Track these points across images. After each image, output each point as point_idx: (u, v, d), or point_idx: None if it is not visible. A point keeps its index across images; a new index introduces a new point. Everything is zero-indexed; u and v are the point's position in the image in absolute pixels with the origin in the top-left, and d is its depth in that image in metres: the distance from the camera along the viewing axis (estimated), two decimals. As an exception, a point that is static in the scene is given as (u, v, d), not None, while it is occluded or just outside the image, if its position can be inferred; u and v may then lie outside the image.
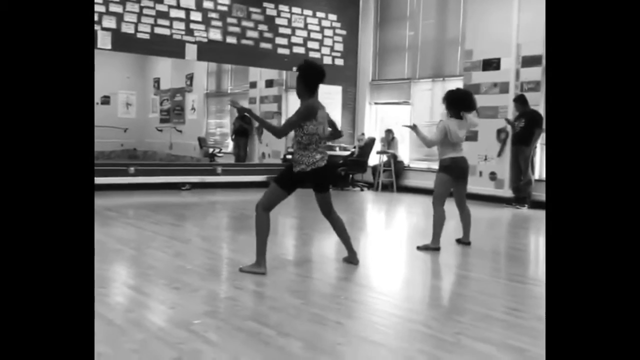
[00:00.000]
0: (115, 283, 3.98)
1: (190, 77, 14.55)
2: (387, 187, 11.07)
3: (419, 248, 5.30)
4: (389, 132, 11.26)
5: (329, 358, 2.67)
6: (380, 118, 12.10)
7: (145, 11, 9.53)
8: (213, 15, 10.24)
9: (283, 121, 4.36)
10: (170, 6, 9.75)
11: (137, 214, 7.34)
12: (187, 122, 14.69)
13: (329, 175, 4.41)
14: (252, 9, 10.63)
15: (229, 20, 10.41)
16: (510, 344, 2.90)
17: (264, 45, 10.79)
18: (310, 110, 4.17)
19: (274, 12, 10.88)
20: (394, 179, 10.96)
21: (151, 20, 9.60)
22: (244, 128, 12.35)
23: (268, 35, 10.83)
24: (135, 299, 3.60)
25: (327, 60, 11.60)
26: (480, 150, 9.64)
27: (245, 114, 4.31)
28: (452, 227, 5.87)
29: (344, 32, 11.81)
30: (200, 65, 13.53)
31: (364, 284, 4.21)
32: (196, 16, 10.05)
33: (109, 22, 9.19)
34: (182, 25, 9.91)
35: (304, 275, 4.34)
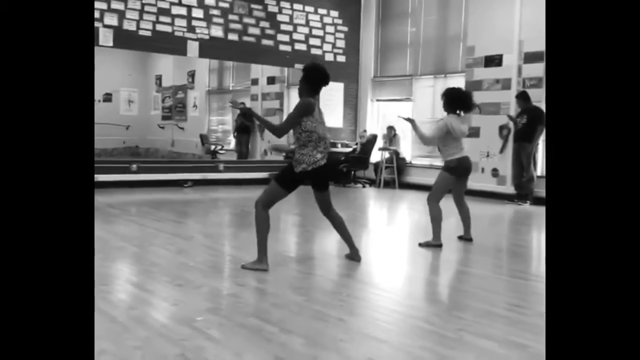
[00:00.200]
0: (118, 280, 3.99)
1: (192, 74, 14.55)
2: (389, 184, 11.07)
3: (420, 245, 5.30)
4: (390, 128, 11.26)
5: (331, 354, 2.67)
6: (382, 115, 12.10)
7: (146, 8, 9.52)
8: (215, 12, 10.23)
9: (285, 118, 4.34)
10: (171, 3, 9.75)
11: (139, 211, 7.35)
12: (189, 119, 14.70)
13: (328, 174, 4.41)
14: (253, 6, 10.62)
15: (231, 17, 10.40)
16: (512, 340, 2.90)
17: (265, 42, 10.79)
18: (308, 106, 4.18)
19: (275, 9, 10.87)
20: (395, 176, 10.96)
21: (153, 18, 9.60)
22: (246, 125, 12.35)
23: (270, 32, 10.83)
24: (138, 296, 3.61)
25: (328, 57, 11.60)
26: (482, 147, 9.63)
27: (246, 113, 4.32)
28: (454, 223, 5.87)
29: (345, 29, 11.80)
30: (202, 62, 13.53)
31: (366, 281, 4.22)
32: (198, 13, 10.05)
33: (111, 20, 9.19)
34: (183, 22, 9.91)
35: (306, 272, 4.34)
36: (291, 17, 11.07)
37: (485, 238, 5.91)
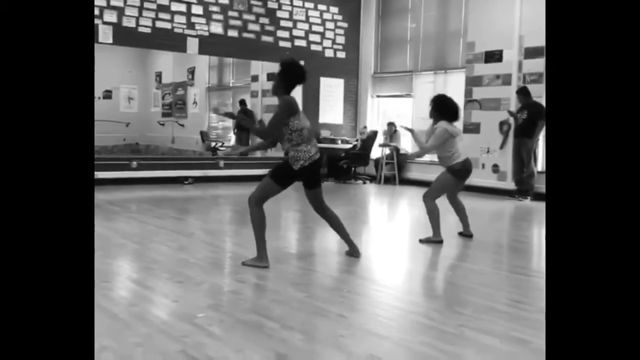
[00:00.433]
0: (119, 277, 3.99)
1: (191, 71, 14.54)
2: (389, 180, 11.07)
3: (421, 241, 5.30)
4: (391, 124, 11.25)
5: (331, 350, 2.67)
6: (382, 111, 12.09)
7: (146, 5, 9.51)
8: (214, 8, 10.21)
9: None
10: (171, 0, 9.73)
11: (140, 208, 7.35)
12: (189, 116, 14.69)
13: (320, 168, 4.39)
14: (253, 2, 10.60)
15: (230, 13, 10.39)
16: (513, 336, 2.90)
17: (265, 38, 10.77)
18: (291, 105, 4.12)
19: (275, 5, 10.85)
20: (396, 172, 10.96)
21: (152, 14, 9.58)
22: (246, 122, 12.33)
23: (269, 28, 10.81)
24: (139, 293, 3.62)
25: (328, 53, 11.59)
26: (482, 143, 9.63)
27: (231, 118, 4.29)
28: (454, 220, 5.87)
29: (345, 25, 11.78)
30: (202, 59, 13.52)
31: (367, 277, 4.22)
32: (197, 10, 10.03)
33: (110, 16, 9.18)
34: (183, 19, 9.89)
35: (307, 268, 4.35)
36: (291, 13, 11.05)
37: (485, 234, 5.91)
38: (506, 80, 9.37)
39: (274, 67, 12.76)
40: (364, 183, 11.14)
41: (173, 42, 9.87)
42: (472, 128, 9.82)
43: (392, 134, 11.20)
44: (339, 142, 11.56)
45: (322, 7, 11.45)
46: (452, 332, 2.94)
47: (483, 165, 9.59)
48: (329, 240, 4.67)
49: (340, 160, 11.15)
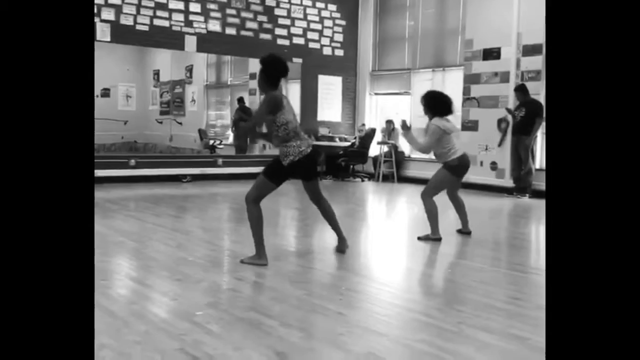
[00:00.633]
0: (117, 275, 3.99)
1: (189, 69, 14.51)
2: (387, 178, 11.07)
3: (419, 238, 5.30)
4: (389, 122, 11.25)
5: (330, 348, 2.68)
6: (381, 108, 12.09)
7: (144, 3, 9.50)
8: (212, 6, 10.20)
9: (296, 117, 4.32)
10: (169, -3, 9.73)
11: (138, 206, 7.35)
12: (187, 114, 14.66)
13: (315, 162, 4.39)
14: (251, 0, 10.59)
15: (228, 11, 10.38)
16: (512, 333, 2.91)
17: (263, 36, 10.76)
18: (275, 100, 4.11)
19: (273, 3, 10.85)
20: (394, 170, 10.96)
21: (150, 12, 9.57)
22: (244, 120, 12.32)
23: (267, 26, 10.80)
24: (137, 291, 3.62)
25: (327, 51, 11.58)
26: (480, 140, 9.63)
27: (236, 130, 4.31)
28: (452, 217, 5.87)
29: (343, 23, 11.77)
30: (200, 57, 13.48)
31: (365, 275, 4.22)
32: (195, 7, 10.02)
33: (108, 14, 9.16)
34: (181, 17, 9.88)
35: (305, 266, 4.35)
36: (289, 11, 11.04)
37: (484, 231, 5.92)
38: (504, 77, 9.38)
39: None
40: (362, 181, 11.14)
41: (171, 40, 9.86)
42: (471, 125, 9.82)
43: (391, 132, 11.20)
44: (337, 139, 11.56)
45: (320, 4, 11.44)
46: (450, 329, 2.95)
47: (481, 163, 9.59)
48: (328, 238, 4.67)
49: (338, 157, 11.15)
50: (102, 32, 9.09)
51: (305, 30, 11.27)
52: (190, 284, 3.71)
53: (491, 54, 9.55)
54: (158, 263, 4.31)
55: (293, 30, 11.11)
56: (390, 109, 11.88)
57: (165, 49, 10.69)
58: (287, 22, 11.03)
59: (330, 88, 11.76)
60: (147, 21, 9.56)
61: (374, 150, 11.33)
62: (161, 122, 15.06)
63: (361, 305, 3.43)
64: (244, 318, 3.05)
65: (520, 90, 8.90)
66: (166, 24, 9.75)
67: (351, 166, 11.39)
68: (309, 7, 11.29)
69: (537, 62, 8.96)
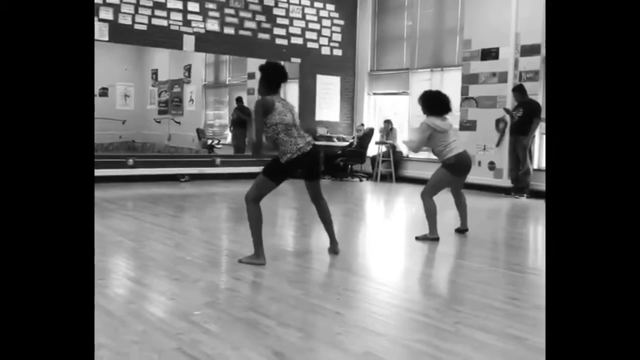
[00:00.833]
0: (115, 275, 3.99)
1: (188, 69, 14.49)
2: (385, 178, 11.07)
3: (417, 238, 5.30)
4: (387, 122, 11.25)
5: (328, 348, 2.68)
6: (379, 108, 12.09)
7: (142, 2, 9.49)
8: (210, 5, 10.20)
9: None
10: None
11: (136, 205, 7.34)
12: (185, 114, 14.64)
13: (315, 162, 4.39)
14: (249, 0, 10.58)
15: (227, 10, 10.37)
16: (509, 333, 2.91)
17: (261, 35, 10.76)
18: (262, 107, 4.15)
19: (271, 3, 10.84)
20: (392, 170, 10.96)
21: (148, 12, 9.56)
22: (243, 119, 12.32)
23: (266, 25, 10.80)
24: (135, 291, 3.61)
25: (325, 51, 11.57)
26: (479, 140, 9.63)
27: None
28: (450, 216, 5.88)
29: (342, 22, 11.77)
30: (198, 56, 13.47)
31: (363, 274, 4.22)
32: (193, 7, 10.01)
33: (106, 14, 9.15)
34: (179, 16, 9.87)
35: (303, 265, 4.35)
36: (287, 10, 11.04)
37: (482, 231, 5.92)
38: (502, 77, 9.38)
39: (271, 65, 12.69)
40: (361, 180, 11.15)
41: (169, 39, 9.85)
42: (469, 125, 9.83)
43: (389, 132, 11.20)
44: (336, 139, 11.56)
45: (318, 4, 11.44)
46: (448, 329, 2.95)
47: (479, 163, 9.59)
48: (326, 238, 4.67)
49: (336, 157, 11.15)
50: (101, 31, 9.07)
51: (303, 30, 11.26)
52: (188, 284, 3.71)
53: (489, 54, 9.56)
54: (156, 262, 4.30)
55: (291, 30, 11.11)
56: (388, 108, 11.88)
57: (164, 48, 10.68)
58: (286, 21, 11.03)
59: (328, 88, 11.76)
60: (146, 20, 9.55)
61: (372, 150, 11.33)
62: (159, 122, 15.04)
63: (359, 305, 3.43)
64: (242, 318, 3.05)
65: (519, 90, 8.91)
66: (164, 23, 9.74)
67: (349, 166, 11.39)
68: (307, 6, 11.29)
69: (536, 63, 8.97)
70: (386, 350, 2.68)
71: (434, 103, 5.28)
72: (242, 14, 10.54)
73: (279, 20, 10.94)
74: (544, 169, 8.72)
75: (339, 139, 11.60)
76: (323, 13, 11.53)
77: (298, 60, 11.26)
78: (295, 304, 3.33)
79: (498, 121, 9.42)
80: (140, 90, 15.31)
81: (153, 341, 2.69)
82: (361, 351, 2.63)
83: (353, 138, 11.60)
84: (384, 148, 11.08)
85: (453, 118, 5.49)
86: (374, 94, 12.08)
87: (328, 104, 11.80)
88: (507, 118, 9.19)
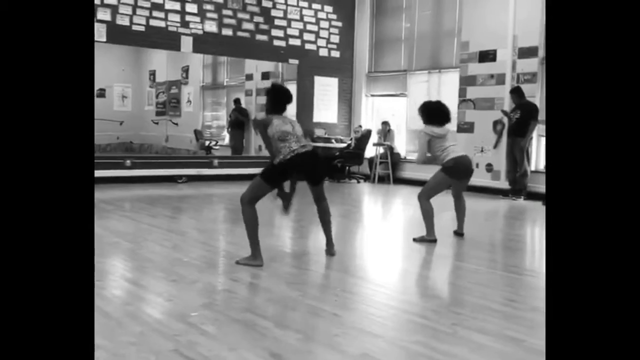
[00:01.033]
0: (112, 276, 3.98)
1: (185, 70, 14.49)
2: (383, 179, 11.08)
3: (415, 240, 5.31)
4: (385, 124, 11.26)
5: (325, 349, 2.67)
6: (377, 110, 12.10)
7: (140, 3, 9.48)
8: (208, 7, 10.19)
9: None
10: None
11: (133, 206, 7.33)
12: (183, 115, 14.63)
13: (314, 164, 4.39)
14: (247, 1, 10.58)
15: (225, 12, 10.37)
16: (507, 335, 2.91)
17: (259, 37, 10.76)
18: (259, 125, 4.34)
19: (269, 4, 10.84)
20: (390, 171, 10.97)
21: (146, 13, 9.56)
22: (240, 120, 12.32)
23: (264, 27, 10.80)
24: (132, 292, 3.60)
25: (323, 52, 11.58)
26: (476, 142, 9.64)
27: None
28: (448, 218, 5.88)
29: (340, 24, 11.78)
30: (196, 58, 13.47)
31: (361, 276, 4.22)
32: (191, 8, 10.01)
33: (104, 15, 9.14)
34: (177, 17, 9.87)
35: (301, 267, 4.34)
36: (285, 12, 11.04)
37: (479, 233, 5.93)
38: (500, 79, 9.39)
39: (269, 66, 12.81)
40: (358, 182, 11.15)
41: (167, 40, 9.85)
42: (466, 127, 9.84)
43: (386, 133, 11.20)
44: (333, 141, 11.56)
45: (316, 6, 11.44)
46: (446, 331, 2.95)
47: (477, 165, 9.59)
48: (323, 239, 4.67)
49: (334, 159, 11.15)
50: (98, 32, 9.06)
51: (301, 31, 11.27)
52: (185, 285, 3.71)
53: (487, 56, 9.57)
54: (153, 264, 4.30)
55: (289, 31, 11.11)
56: (386, 110, 11.88)
57: (161, 49, 10.67)
58: (284, 23, 11.03)
59: (326, 89, 11.76)
60: (143, 21, 9.54)
61: (370, 151, 11.34)
62: (157, 123, 15.03)
63: (357, 306, 3.43)
64: (239, 319, 3.04)
65: (516, 92, 8.92)
66: (162, 24, 9.73)
67: (347, 167, 11.39)
68: (305, 8, 11.29)
69: (533, 65, 8.99)
70: (383, 351, 2.68)
71: (434, 113, 5.36)
72: (240, 15, 10.54)
73: (277, 22, 10.95)
74: (542, 170, 8.73)
75: (336, 141, 11.60)
76: (321, 14, 11.53)
77: (296, 61, 11.26)
78: (292, 306, 3.33)
79: (496, 123, 9.43)
80: (138, 92, 15.29)
81: (150, 342, 2.68)
82: (359, 353, 2.63)
83: (351, 139, 11.61)
84: (381, 150, 11.08)
85: (451, 120, 5.51)
86: (372, 95, 12.09)
87: (326, 106, 11.81)
88: (505, 120, 9.20)
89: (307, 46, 11.35)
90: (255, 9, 10.69)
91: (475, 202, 8.28)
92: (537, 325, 3.10)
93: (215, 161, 10.69)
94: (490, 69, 9.53)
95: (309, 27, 11.36)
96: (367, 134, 11.31)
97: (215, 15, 10.26)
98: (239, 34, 10.55)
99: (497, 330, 2.97)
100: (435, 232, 5.28)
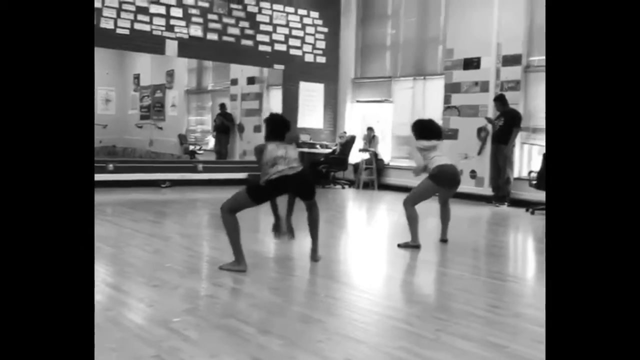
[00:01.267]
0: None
1: (170, 74, 14.41)
2: (368, 185, 11.09)
3: (399, 246, 5.31)
4: (370, 130, 11.28)
5: (309, 355, 2.66)
6: (362, 116, 12.12)
7: (124, 6, 9.43)
8: (194, 11, 10.16)
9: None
10: (150, 2, 9.65)
11: (115, 211, 7.26)
12: (167, 119, 14.54)
13: (302, 183, 4.38)
14: (233, 6, 10.57)
15: (210, 16, 10.34)
16: (490, 341, 2.91)
17: (245, 42, 10.74)
18: (255, 153, 4.38)
19: (255, 9, 10.83)
20: (375, 177, 10.99)
21: (131, 16, 9.51)
22: (225, 125, 12.28)
23: (249, 32, 10.78)
24: (113, 297, 3.56)
25: (308, 58, 11.59)
26: (460, 149, 9.70)
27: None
28: (432, 225, 5.90)
29: (325, 30, 11.80)
30: (181, 62, 13.41)
31: (345, 282, 4.21)
32: (177, 12, 9.97)
33: (88, 17, 9.07)
34: (162, 21, 9.83)
35: (285, 272, 4.33)
36: (271, 17, 11.04)
37: (463, 239, 5.95)
38: (484, 87, 9.46)
39: (254, 71, 12.77)
40: (343, 188, 11.15)
41: (152, 44, 9.79)
42: (451, 134, 9.89)
43: (371, 139, 11.23)
44: (318, 146, 11.56)
45: (302, 11, 11.46)
46: (429, 336, 2.95)
47: (461, 171, 9.61)
48: (307, 245, 4.66)
49: (319, 164, 11.15)
50: (82, 35, 8.99)
51: (287, 36, 11.27)
52: (167, 290, 3.67)
53: (471, 63, 9.64)
54: (135, 269, 4.25)
55: (275, 36, 11.11)
56: (371, 116, 11.91)
57: (146, 53, 10.62)
58: (269, 28, 11.03)
59: (312, 95, 11.77)
60: (128, 25, 9.48)
61: (355, 157, 11.35)
62: (141, 127, 14.92)
63: (340, 312, 3.42)
64: (221, 325, 3.01)
65: (500, 100, 9.00)
66: (147, 28, 9.68)
67: (332, 173, 11.40)
68: (291, 13, 11.30)
69: (516, 72, 9.07)
70: (367, 357, 2.67)
71: (425, 130, 5.50)
72: (226, 20, 10.52)
73: (263, 27, 10.94)
74: (525, 177, 8.79)
75: (321, 146, 11.60)
76: (307, 20, 11.55)
77: (281, 67, 11.26)
78: (276, 311, 3.31)
79: (480, 130, 9.49)
80: (122, 95, 15.17)
81: (131, 349, 2.65)
82: (342, 358, 2.62)
83: (336, 145, 11.62)
84: (366, 155, 11.10)
85: (442, 137, 5.69)
86: (357, 101, 12.11)
87: (311, 111, 11.80)
88: (489, 127, 9.27)
89: (293, 51, 11.35)
90: (241, 14, 10.68)
91: (459, 208, 8.32)
92: (519, 331, 3.11)
93: (200, 166, 10.64)
94: (474, 76, 9.60)
95: (294, 32, 11.37)
96: (352, 139, 11.33)
97: (200, 20, 10.23)
98: (225, 38, 10.52)
99: (480, 337, 2.98)
100: (420, 238, 5.29)
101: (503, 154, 8.88)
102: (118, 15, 9.36)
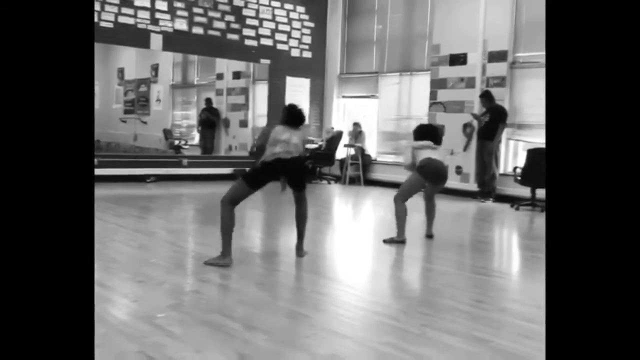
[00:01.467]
0: (76, 276, 3.89)
1: (155, 68, 14.30)
2: (354, 181, 11.10)
3: (385, 241, 5.32)
4: (356, 125, 11.28)
5: (294, 350, 2.65)
6: (348, 111, 12.12)
7: (108, -1, 9.32)
8: (179, 4, 10.08)
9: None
10: (135, -5, 9.56)
11: (100, 206, 7.18)
12: (152, 114, 14.43)
13: (296, 170, 4.41)
14: (218, 0, 10.50)
15: (195, 10, 10.26)
16: (474, 335, 2.93)
17: (231, 36, 10.68)
18: (263, 131, 4.54)
19: (241, 3, 10.77)
20: (361, 173, 11.00)
21: (115, 9, 9.40)
22: (211, 120, 12.22)
23: (235, 26, 10.72)
24: (97, 293, 3.51)
25: (294, 53, 11.55)
26: (446, 145, 9.69)
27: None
28: (418, 220, 5.91)
29: (312, 25, 11.77)
30: (166, 56, 13.31)
31: (331, 277, 4.21)
32: (161, 5, 9.88)
33: (71, 10, 8.96)
34: (147, 15, 9.73)
35: (271, 268, 4.31)
36: (257, 11, 10.98)
37: (448, 234, 5.97)
38: (470, 83, 9.49)
39: (240, 65, 12.71)
40: (329, 183, 11.15)
41: (136, 38, 9.70)
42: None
43: (357, 135, 11.23)
44: (304, 142, 11.54)
45: (288, 6, 11.41)
46: (414, 332, 2.95)
47: (447, 167, 9.68)
48: (293, 240, 4.64)
49: (305, 159, 11.12)
50: (65, 27, 8.88)
51: (273, 31, 11.22)
52: (152, 286, 3.64)
53: (457, 59, 9.66)
54: (119, 264, 4.22)
55: (261, 31, 11.05)
56: (357, 112, 11.91)
57: (130, 46, 10.52)
58: (255, 22, 10.97)
59: (298, 90, 11.74)
60: (112, 18, 9.38)
61: (341, 152, 11.35)
62: (125, 121, 14.80)
63: (326, 307, 3.41)
64: (207, 320, 3.00)
65: (486, 96, 9.03)
66: (131, 21, 9.59)
67: (318, 168, 11.39)
68: (277, 8, 11.25)
69: (502, 69, 9.11)
70: (353, 352, 2.67)
71: (421, 132, 5.62)
72: (211, 13, 10.45)
73: (249, 21, 10.88)
74: (510, 173, 8.85)
75: (307, 142, 11.58)
76: (293, 15, 11.50)
77: (267, 61, 11.21)
78: (261, 307, 3.29)
79: (465, 126, 9.53)
80: (106, 89, 15.03)
81: (115, 344, 2.63)
82: (328, 354, 2.61)
83: (322, 140, 11.60)
84: (352, 151, 11.10)
85: (441, 141, 5.86)
86: (343, 96, 12.10)
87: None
88: (475, 123, 9.30)
89: (279, 46, 11.31)
90: (227, 8, 10.61)
91: (445, 204, 8.35)
92: (503, 325, 3.13)
93: (185, 161, 10.57)
94: (460, 72, 9.63)
95: (280, 27, 11.32)
96: (338, 135, 11.32)
97: (185, 13, 10.15)
98: (210, 32, 10.45)
99: (465, 331, 2.99)
100: (405, 233, 5.30)
101: (488, 150, 8.93)
102: (102, 8, 9.26)
